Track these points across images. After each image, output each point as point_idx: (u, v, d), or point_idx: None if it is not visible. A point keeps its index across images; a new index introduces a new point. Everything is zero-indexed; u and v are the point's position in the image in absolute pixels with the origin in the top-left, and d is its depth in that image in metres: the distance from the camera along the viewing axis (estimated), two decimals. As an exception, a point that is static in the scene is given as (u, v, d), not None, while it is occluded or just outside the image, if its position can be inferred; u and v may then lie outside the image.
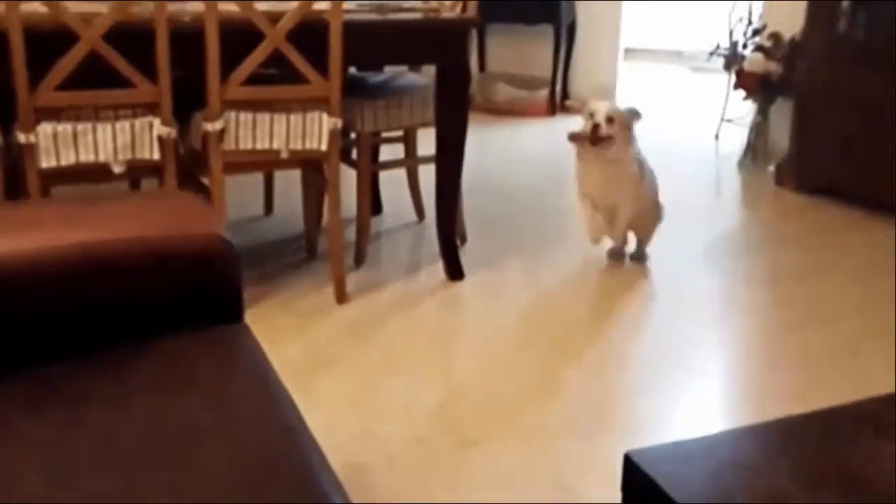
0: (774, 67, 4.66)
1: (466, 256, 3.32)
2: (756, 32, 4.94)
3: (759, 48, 4.80)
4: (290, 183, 3.72)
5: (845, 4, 4.03)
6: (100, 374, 1.34)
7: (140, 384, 1.32)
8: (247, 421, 1.24)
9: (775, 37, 4.72)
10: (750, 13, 5.07)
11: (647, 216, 3.40)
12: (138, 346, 1.41)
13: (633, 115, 3.18)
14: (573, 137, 3.20)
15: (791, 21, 4.50)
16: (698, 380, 2.57)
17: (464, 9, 3.19)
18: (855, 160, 4.04)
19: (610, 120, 3.09)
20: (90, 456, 1.13)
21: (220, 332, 1.49)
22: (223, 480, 1.09)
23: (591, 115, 3.11)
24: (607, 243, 3.44)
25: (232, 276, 1.54)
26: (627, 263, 3.46)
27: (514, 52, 6.42)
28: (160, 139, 2.60)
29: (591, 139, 3.10)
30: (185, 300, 1.49)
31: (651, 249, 3.52)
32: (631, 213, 3.30)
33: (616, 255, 3.48)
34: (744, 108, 5.16)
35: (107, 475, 1.09)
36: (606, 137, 3.09)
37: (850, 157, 4.07)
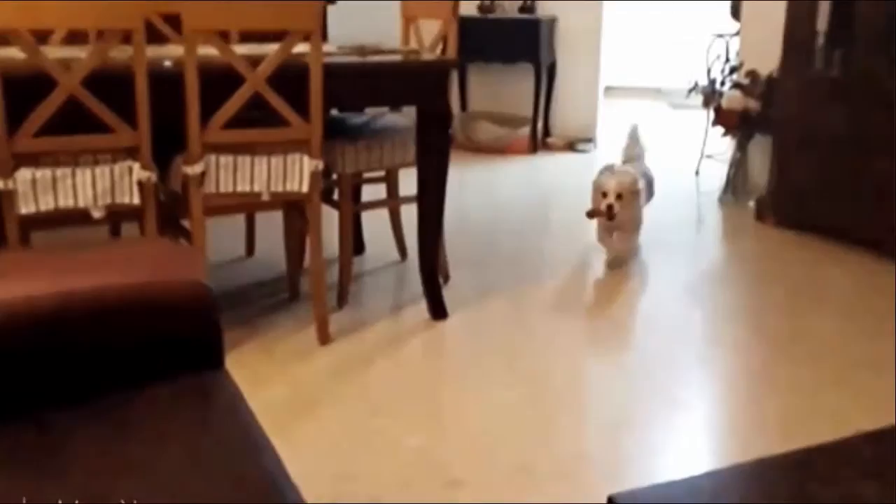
0: (752, 104, 4.72)
1: (449, 295, 3.31)
2: (733, 70, 5.00)
3: (736, 85, 4.86)
4: (271, 224, 3.71)
5: (820, 43, 4.10)
6: (77, 423, 1.32)
7: (118, 434, 1.30)
8: (225, 470, 1.22)
9: (752, 74, 4.78)
10: (727, 51, 5.15)
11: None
12: (117, 395, 1.39)
13: (636, 181, 3.67)
14: (592, 215, 3.70)
15: (768, 58, 4.56)
16: (682, 415, 2.56)
17: (444, 50, 3.22)
18: (833, 195, 4.08)
19: (620, 197, 3.56)
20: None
21: (199, 378, 1.48)
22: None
23: (604, 195, 3.57)
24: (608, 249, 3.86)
25: (212, 322, 1.53)
26: (610, 287, 3.47)
27: (495, 90, 6.47)
28: (140, 184, 2.60)
29: (608, 217, 3.60)
30: (164, 347, 1.48)
31: (634, 284, 3.54)
32: (633, 236, 3.85)
33: (615, 263, 3.83)
34: (723, 144, 5.21)
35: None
36: (619, 212, 3.61)
37: (829, 192, 4.11)
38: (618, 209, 3.56)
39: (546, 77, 6.28)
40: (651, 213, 3.72)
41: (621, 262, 3.83)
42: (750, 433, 2.47)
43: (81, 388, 1.40)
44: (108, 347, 1.44)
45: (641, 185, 3.75)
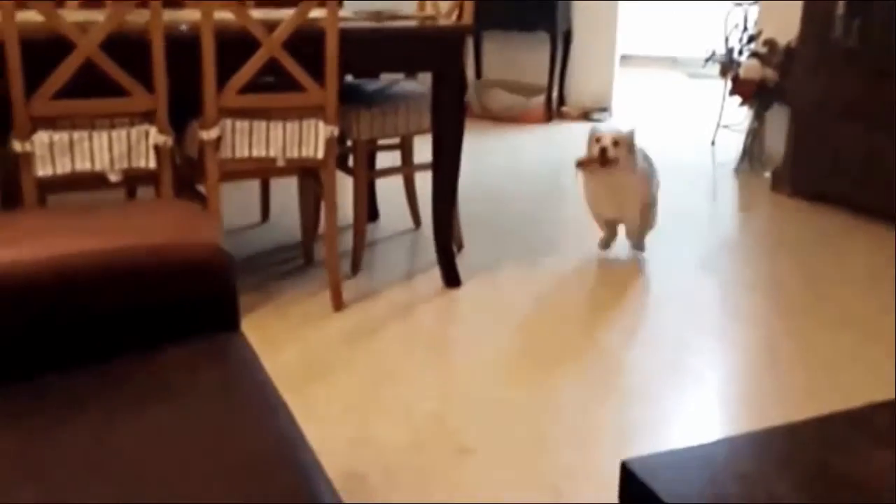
0: (770, 74, 4.67)
1: (463, 263, 3.32)
2: (751, 39, 4.95)
3: (754, 54, 4.81)
4: (286, 190, 3.72)
5: (840, 11, 4.05)
6: (96, 383, 1.33)
7: (136, 393, 1.32)
8: (242, 429, 1.23)
9: (771, 43, 4.73)
10: (745, 19, 5.09)
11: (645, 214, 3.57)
12: (134, 356, 1.40)
13: (633, 135, 3.39)
14: (582, 164, 3.40)
15: (786, 27, 4.51)
16: (696, 387, 2.57)
17: (459, 16, 3.19)
18: (851, 166, 4.05)
19: (616, 143, 3.31)
20: (85, 465, 1.13)
21: (216, 340, 1.49)
22: (219, 489, 1.09)
23: (598, 140, 3.32)
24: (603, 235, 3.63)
25: (228, 284, 1.54)
26: (625, 258, 3.47)
27: (511, 58, 6.43)
28: (156, 148, 2.60)
29: (601, 162, 3.30)
30: (181, 309, 1.49)
31: (648, 256, 3.53)
32: (637, 221, 3.54)
33: (606, 243, 3.65)
34: (740, 114, 5.17)
35: (102, 484, 1.09)
36: (614, 159, 3.30)
37: (846, 163, 4.08)
38: (613, 154, 3.28)
39: (562, 45, 6.23)
40: (666, 183, 3.68)
41: (640, 245, 3.61)
42: (765, 404, 2.47)
43: (99, 349, 1.41)
44: (124, 308, 1.45)
45: (641, 155, 3.46)
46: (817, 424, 1.30)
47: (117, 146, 2.55)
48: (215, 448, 1.18)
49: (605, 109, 6.32)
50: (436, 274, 3.25)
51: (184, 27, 2.64)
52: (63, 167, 2.51)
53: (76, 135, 2.50)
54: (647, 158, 3.51)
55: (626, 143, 3.33)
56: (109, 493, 1.07)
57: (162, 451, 1.17)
